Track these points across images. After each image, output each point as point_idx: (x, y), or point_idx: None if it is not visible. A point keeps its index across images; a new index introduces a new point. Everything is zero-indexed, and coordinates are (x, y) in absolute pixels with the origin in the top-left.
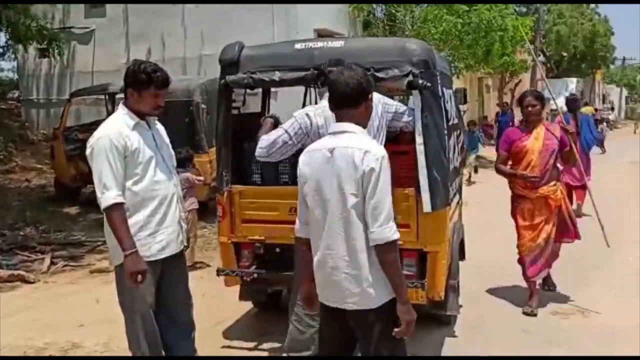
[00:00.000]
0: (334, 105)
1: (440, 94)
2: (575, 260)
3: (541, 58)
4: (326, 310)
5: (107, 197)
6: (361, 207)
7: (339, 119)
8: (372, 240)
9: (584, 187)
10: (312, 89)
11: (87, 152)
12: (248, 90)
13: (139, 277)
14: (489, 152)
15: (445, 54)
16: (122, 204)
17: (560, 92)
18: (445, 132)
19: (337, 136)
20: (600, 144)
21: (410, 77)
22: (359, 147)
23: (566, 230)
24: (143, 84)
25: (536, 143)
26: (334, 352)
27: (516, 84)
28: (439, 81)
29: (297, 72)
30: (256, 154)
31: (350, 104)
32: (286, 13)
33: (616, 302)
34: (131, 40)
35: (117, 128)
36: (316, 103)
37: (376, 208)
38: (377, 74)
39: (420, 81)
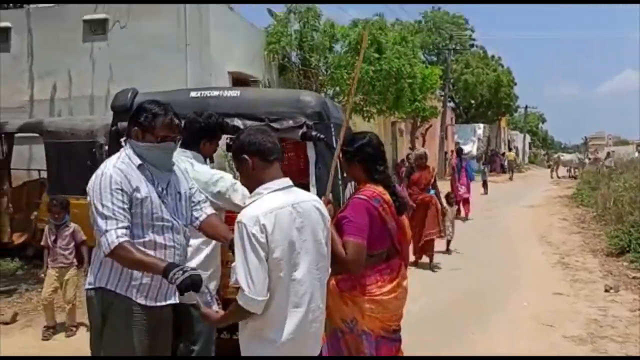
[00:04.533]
0: (268, 159)
1: (335, 145)
2: (474, 303)
3: (451, 104)
4: None
5: None
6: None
7: (272, 174)
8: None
9: (468, 200)
10: None
11: None
12: None
13: None
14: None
15: (358, 98)
16: None
17: (469, 137)
18: (340, 182)
19: (288, 191)
20: (483, 185)
21: (304, 129)
22: (313, 198)
23: None
24: None
25: None
26: None
27: (427, 129)
28: (333, 132)
29: None
30: None
31: (280, 157)
32: (200, 55)
33: (510, 349)
34: (36, 76)
35: None
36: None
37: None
38: (272, 125)
39: (314, 133)
